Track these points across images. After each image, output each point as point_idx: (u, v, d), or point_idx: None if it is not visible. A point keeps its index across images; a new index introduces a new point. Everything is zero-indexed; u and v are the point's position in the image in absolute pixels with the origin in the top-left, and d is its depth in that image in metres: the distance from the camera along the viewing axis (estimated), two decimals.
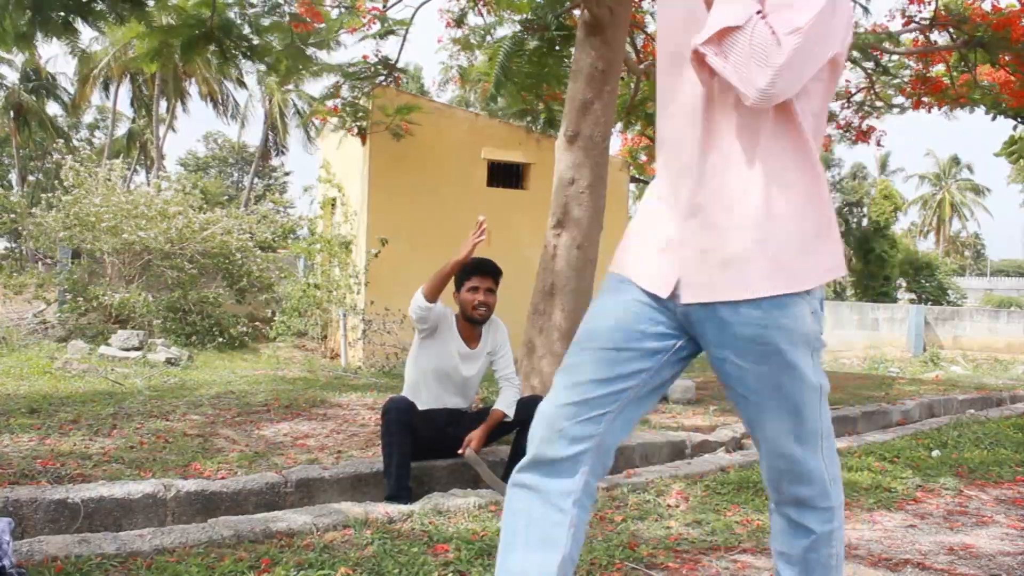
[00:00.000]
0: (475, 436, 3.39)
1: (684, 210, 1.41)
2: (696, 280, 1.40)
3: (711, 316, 1.41)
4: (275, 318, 10.48)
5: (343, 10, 7.12)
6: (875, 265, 28.15)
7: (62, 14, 4.66)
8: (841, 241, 1.50)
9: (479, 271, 3.53)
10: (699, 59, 1.31)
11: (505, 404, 3.56)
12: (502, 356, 3.69)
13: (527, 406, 3.62)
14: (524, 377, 4.86)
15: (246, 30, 5.81)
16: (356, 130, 9.36)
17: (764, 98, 1.27)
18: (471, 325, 3.58)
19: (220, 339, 9.78)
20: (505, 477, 3.50)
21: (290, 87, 24.25)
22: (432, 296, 3.42)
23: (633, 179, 13.15)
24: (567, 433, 1.44)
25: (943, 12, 7.08)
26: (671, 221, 1.43)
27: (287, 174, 39.79)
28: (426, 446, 3.43)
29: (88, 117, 36.26)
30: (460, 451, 3.36)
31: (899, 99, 8.37)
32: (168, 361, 7.55)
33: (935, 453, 4.19)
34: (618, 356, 1.45)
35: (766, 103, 1.28)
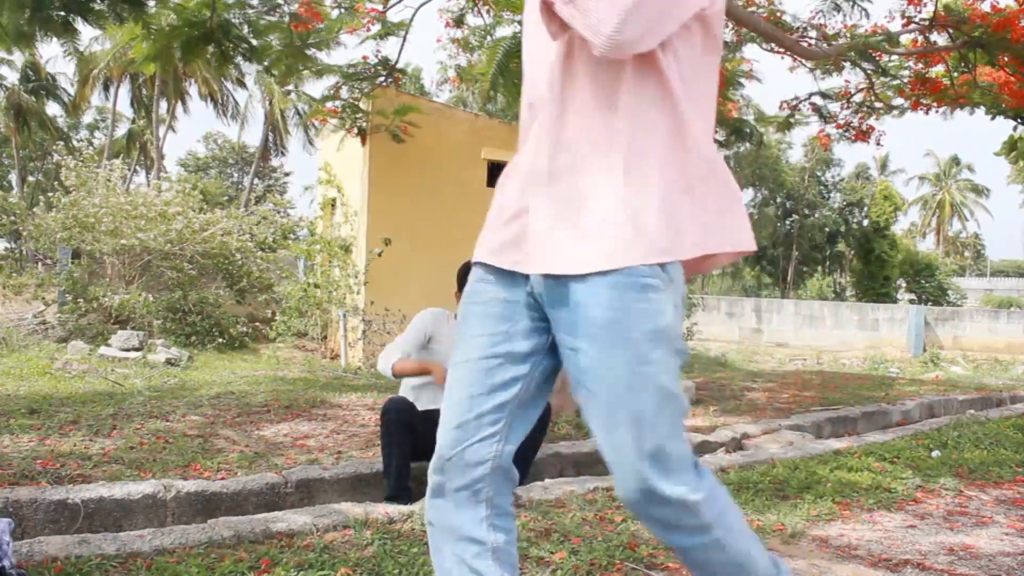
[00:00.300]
0: None
1: (540, 177, 1.29)
2: (545, 251, 1.28)
3: (562, 294, 1.27)
4: (275, 319, 10.48)
5: (343, 10, 7.12)
6: (875, 265, 28.16)
7: (62, 13, 4.67)
8: (728, 218, 1.32)
9: None
10: (547, 9, 1.20)
11: None
12: None
13: None
14: None
15: (245, 30, 5.81)
16: (356, 131, 9.37)
17: (613, 46, 1.15)
18: None
19: (220, 339, 9.77)
20: None
21: (290, 88, 24.27)
22: (399, 376, 3.45)
23: None
24: (459, 461, 1.35)
25: (942, 13, 7.08)
26: (526, 189, 1.32)
27: (287, 175, 39.84)
28: (426, 446, 3.41)
29: (88, 117, 36.30)
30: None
31: (898, 100, 8.38)
32: (168, 362, 7.54)
33: (935, 453, 4.19)
34: (489, 366, 1.34)
35: (616, 52, 1.16)
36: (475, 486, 1.35)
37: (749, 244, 1.34)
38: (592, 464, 4.08)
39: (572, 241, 1.25)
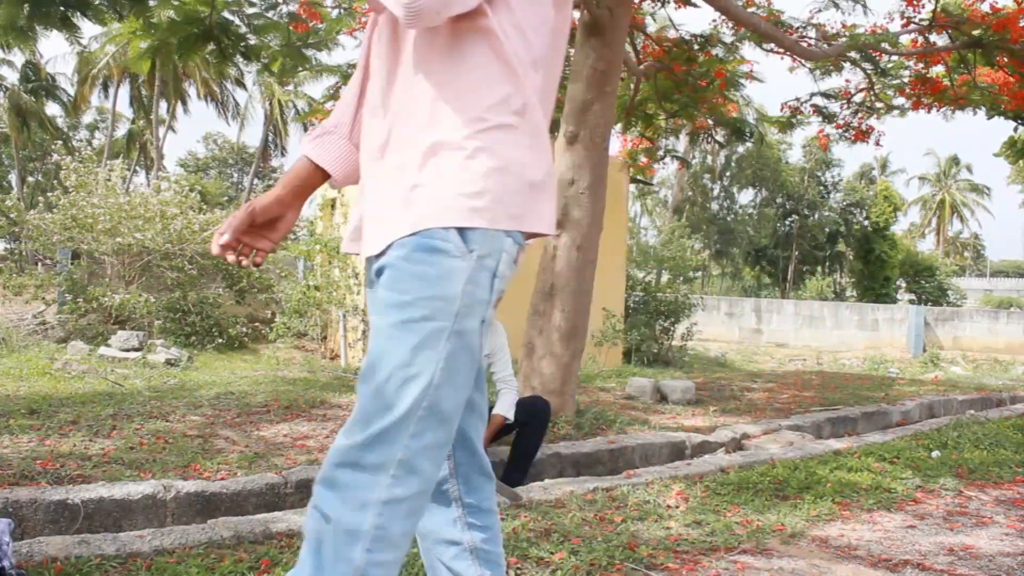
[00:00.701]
0: None
1: (368, 156, 1.26)
2: (366, 232, 1.23)
3: (371, 277, 1.23)
4: (275, 319, 10.48)
5: (343, 11, 7.12)
6: (875, 266, 28.15)
7: (61, 8, 4.65)
8: (541, 197, 1.23)
9: None
10: None
11: (504, 407, 3.56)
12: (500, 359, 3.69)
13: (527, 406, 3.63)
14: (524, 378, 4.86)
15: (243, 29, 5.81)
16: None
17: (412, 15, 1.10)
18: None
19: (220, 340, 9.76)
20: (505, 477, 3.50)
21: (289, 87, 24.26)
22: None
23: (633, 180, 13.17)
24: None
25: (942, 13, 7.08)
26: (365, 169, 1.28)
27: None
28: None
29: (88, 118, 36.29)
30: None
31: (899, 100, 8.38)
32: (168, 362, 7.54)
33: (935, 454, 4.19)
34: None
35: (417, 21, 1.11)
36: (440, 488, 1.33)
37: (550, 228, 1.26)
38: (592, 464, 4.08)
39: (380, 221, 1.21)
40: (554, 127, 8.22)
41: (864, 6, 6.95)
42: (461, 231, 1.15)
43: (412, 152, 1.18)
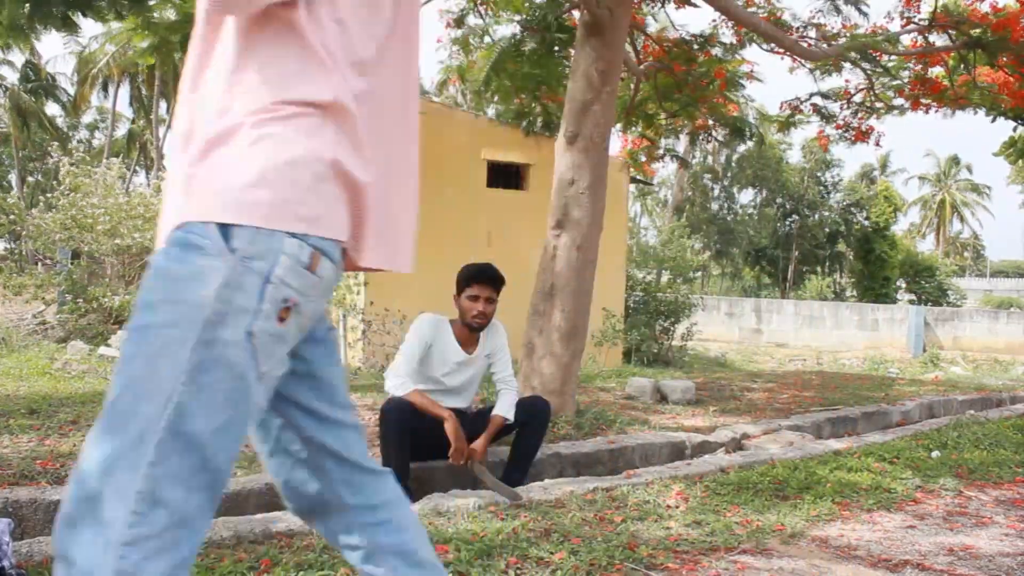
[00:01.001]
0: (478, 446, 3.38)
1: (176, 144, 1.14)
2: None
3: None
4: None
5: None
6: (875, 266, 28.16)
7: (62, 7, 4.65)
8: (335, 205, 1.09)
9: (480, 279, 3.50)
10: None
11: (504, 408, 3.55)
12: (500, 359, 3.68)
13: (527, 406, 3.63)
14: (524, 378, 4.86)
15: None
16: None
17: (216, 3, 1.04)
18: (469, 330, 3.58)
19: None
20: (505, 477, 3.50)
21: None
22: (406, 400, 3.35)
23: (633, 180, 13.18)
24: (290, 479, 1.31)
25: (942, 13, 7.08)
26: (169, 162, 1.17)
27: None
28: (425, 446, 3.43)
29: (87, 117, 36.32)
30: (461, 461, 3.34)
31: (899, 100, 8.38)
32: None
33: (935, 454, 4.19)
34: None
35: (222, 9, 1.05)
36: (320, 502, 1.29)
37: (341, 233, 1.11)
38: (592, 464, 4.08)
39: (163, 216, 1.11)
40: (554, 127, 8.23)
41: (860, 10, 6.96)
42: (224, 227, 1.01)
43: (200, 142, 1.08)
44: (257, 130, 1.05)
